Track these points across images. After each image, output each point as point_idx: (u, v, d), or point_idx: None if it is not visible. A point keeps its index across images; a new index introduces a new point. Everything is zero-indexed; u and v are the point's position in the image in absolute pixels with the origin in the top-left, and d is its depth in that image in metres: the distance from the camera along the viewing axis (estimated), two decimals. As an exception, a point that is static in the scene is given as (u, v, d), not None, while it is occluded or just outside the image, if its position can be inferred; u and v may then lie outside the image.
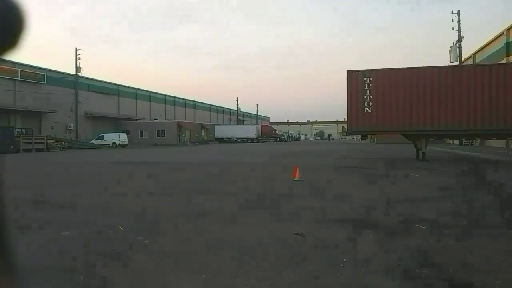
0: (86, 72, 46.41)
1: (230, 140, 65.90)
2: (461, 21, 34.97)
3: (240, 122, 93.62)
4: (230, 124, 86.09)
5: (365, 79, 17.31)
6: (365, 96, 17.28)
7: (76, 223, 5.37)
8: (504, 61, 27.92)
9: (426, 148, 17.67)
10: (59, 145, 34.31)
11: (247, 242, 4.34)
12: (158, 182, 10.41)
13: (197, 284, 3.15)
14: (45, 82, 41.47)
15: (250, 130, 70.87)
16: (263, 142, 66.22)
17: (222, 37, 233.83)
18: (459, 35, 35.05)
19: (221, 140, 64.97)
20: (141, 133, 52.42)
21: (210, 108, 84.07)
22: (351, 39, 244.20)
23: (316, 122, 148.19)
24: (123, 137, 43.21)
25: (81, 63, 43.61)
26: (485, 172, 12.82)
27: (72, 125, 43.43)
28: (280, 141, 73.27)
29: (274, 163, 17.04)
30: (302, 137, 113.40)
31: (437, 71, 17.23)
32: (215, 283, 3.17)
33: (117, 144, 41.68)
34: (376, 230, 4.82)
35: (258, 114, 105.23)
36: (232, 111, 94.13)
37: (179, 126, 53.37)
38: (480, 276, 3.28)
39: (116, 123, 51.28)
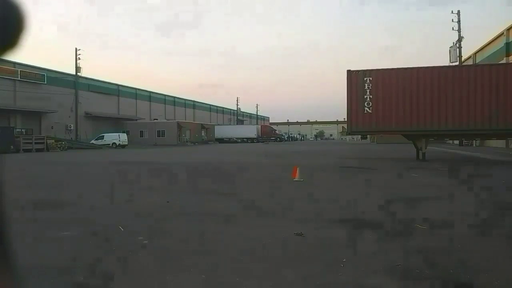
0: (86, 72, 46.47)
1: (230, 140, 65.86)
2: (461, 21, 35.00)
3: (240, 122, 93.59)
4: (230, 124, 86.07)
5: (365, 79, 17.31)
6: (365, 96, 17.28)
7: (76, 223, 5.36)
8: (504, 61, 27.91)
9: (426, 148, 17.66)
10: (59, 145, 34.29)
11: (247, 242, 4.34)
12: (159, 182, 10.40)
13: (197, 284, 3.15)
14: (45, 82, 41.46)
15: (250, 130, 70.81)
16: (263, 142, 66.21)
17: (222, 37, 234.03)
18: (459, 35, 35.06)
19: (221, 140, 64.93)
20: (141, 133, 52.40)
21: (210, 108, 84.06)
22: (351, 39, 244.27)
23: (316, 122, 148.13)
24: (123, 137, 43.17)
25: (81, 63, 43.66)
26: (485, 172, 12.82)
27: (72, 125, 43.41)
28: (280, 141, 73.25)
29: (274, 163, 17.04)
30: (300, 137, 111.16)
31: (437, 71, 17.23)
32: (215, 283, 3.17)
33: (117, 144, 41.64)
34: (376, 230, 4.82)
35: (258, 114, 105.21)
36: (232, 111, 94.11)
37: (179, 126, 53.34)
38: (480, 276, 3.29)
39: (116, 123, 51.25)
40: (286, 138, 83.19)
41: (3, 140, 27.75)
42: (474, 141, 33.75)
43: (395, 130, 18.20)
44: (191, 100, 75.92)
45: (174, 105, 68.97)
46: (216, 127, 69.05)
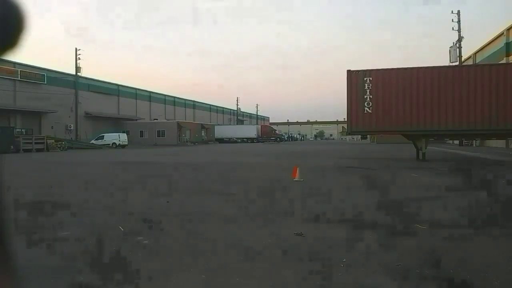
0: (86, 72, 46.45)
1: (230, 140, 65.86)
2: (461, 21, 35.00)
3: (240, 122, 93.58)
4: (230, 124, 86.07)
5: (365, 79, 17.30)
6: (365, 96, 17.27)
7: (76, 223, 5.36)
8: (504, 61, 27.92)
9: (426, 148, 17.67)
10: (59, 145, 34.27)
11: (247, 242, 4.34)
12: (159, 182, 10.39)
13: (197, 284, 3.14)
14: (45, 82, 41.46)
15: (250, 130, 70.80)
16: (263, 142, 66.21)
17: (222, 37, 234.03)
18: (459, 35, 35.06)
19: (221, 140, 64.95)
20: (141, 133, 52.41)
21: (210, 108, 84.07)
22: (351, 39, 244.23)
23: (316, 122, 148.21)
24: (123, 137, 43.16)
25: (81, 63, 43.65)
26: (484, 172, 12.83)
27: (72, 125, 43.39)
28: (280, 141, 73.31)
29: (274, 163, 17.04)
30: (299, 136, 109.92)
31: (437, 71, 17.23)
32: (215, 283, 3.17)
33: (117, 144, 41.63)
34: (376, 230, 4.82)
35: (258, 114, 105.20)
36: (232, 111, 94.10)
37: (179, 126, 53.35)
38: (480, 276, 3.28)
39: (116, 123, 51.25)
40: (286, 138, 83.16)
41: (3, 140, 27.74)
42: (474, 141, 33.77)
43: (395, 130, 18.20)
44: (191, 100, 75.92)
45: (174, 105, 68.97)
46: (216, 127, 69.05)
